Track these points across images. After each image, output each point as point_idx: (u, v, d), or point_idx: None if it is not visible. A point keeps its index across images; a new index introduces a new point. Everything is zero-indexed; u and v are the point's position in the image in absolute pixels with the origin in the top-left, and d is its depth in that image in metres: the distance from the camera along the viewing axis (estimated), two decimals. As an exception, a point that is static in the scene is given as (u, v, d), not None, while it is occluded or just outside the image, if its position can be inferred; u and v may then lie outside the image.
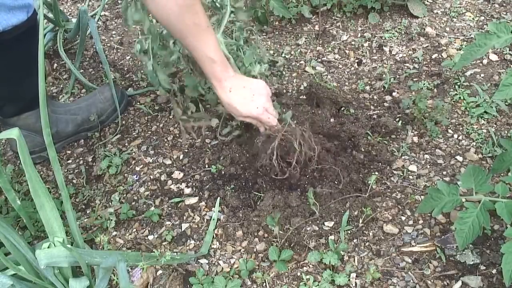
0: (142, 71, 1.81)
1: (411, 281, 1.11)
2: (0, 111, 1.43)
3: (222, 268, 1.19)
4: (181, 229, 1.29)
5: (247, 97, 1.21)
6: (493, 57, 1.69)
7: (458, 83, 1.58)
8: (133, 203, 1.36)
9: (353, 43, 1.84)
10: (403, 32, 1.85)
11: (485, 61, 1.68)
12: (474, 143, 1.41)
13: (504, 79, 0.97)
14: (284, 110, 1.45)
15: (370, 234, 1.22)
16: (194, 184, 1.39)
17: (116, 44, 1.99)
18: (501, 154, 1.13)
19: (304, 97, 1.59)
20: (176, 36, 1.16)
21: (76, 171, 1.49)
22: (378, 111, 1.53)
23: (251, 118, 1.24)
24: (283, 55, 1.81)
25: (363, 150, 1.39)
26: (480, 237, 1.05)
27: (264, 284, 1.14)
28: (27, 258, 0.99)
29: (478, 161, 1.36)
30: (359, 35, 1.87)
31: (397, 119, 1.48)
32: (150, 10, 1.10)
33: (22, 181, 1.47)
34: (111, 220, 1.30)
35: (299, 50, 1.83)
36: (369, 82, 1.67)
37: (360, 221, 1.23)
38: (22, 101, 1.40)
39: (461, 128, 1.46)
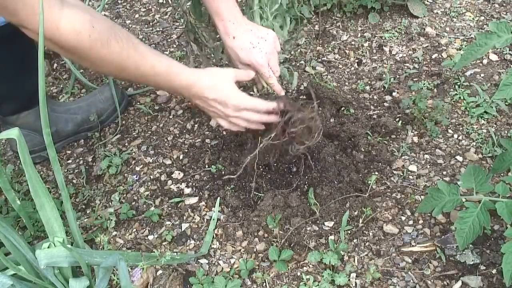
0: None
1: (411, 281, 1.11)
2: (0, 110, 1.43)
3: (222, 268, 1.19)
4: (181, 229, 1.29)
5: (252, 42, 1.14)
6: (493, 57, 1.69)
7: (458, 83, 1.58)
8: (133, 203, 1.36)
9: (353, 43, 1.84)
10: (403, 32, 1.85)
11: (485, 61, 1.68)
12: (474, 143, 1.41)
13: (505, 79, 0.97)
14: (291, 70, 1.39)
15: (370, 234, 1.22)
16: (194, 184, 1.39)
17: (116, 44, 1.99)
18: (501, 154, 1.13)
19: (304, 97, 1.59)
20: None
21: (76, 171, 1.49)
22: (378, 111, 1.53)
23: (251, 68, 1.18)
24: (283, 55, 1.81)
25: (363, 150, 1.39)
26: (480, 237, 1.05)
27: (264, 284, 1.14)
28: (27, 258, 0.99)
29: (478, 161, 1.36)
30: (359, 35, 1.87)
31: (397, 119, 1.48)
32: None
33: (22, 181, 1.47)
34: (111, 220, 1.30)
35: (299, 50, 1.83)
36: (369, 82, 1.67)
37: (360, 221, 1.23)
38: (20, 99, 1.40)
39: (461, 128, 1.46)
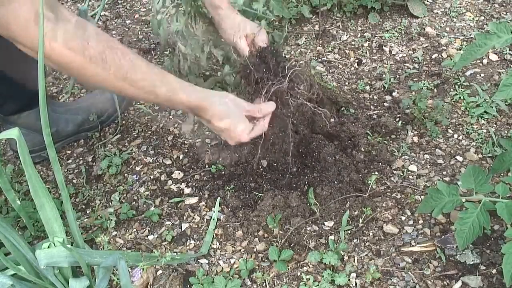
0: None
1: (411, 281, 1.11)
2: (1, 109, 1.43)
3: (222, 268, 1.19)
4: (181, 229, 1.29)
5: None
6: (493, 57, 1.69)
7: (458, 83, 1.58)
8: (133, 203, 1.36)
9: (353, 43, 1.84)
10: (403, 32, 1.85)
11: (485, 61, 1.68)
12: (474, 143, 1.41)
13: (504, 79, 0.97)
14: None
15: (370, 234, 1.22)
16: (194, 184, 1.39)
17: (116, 44, 1.99)
18: (501, 154, 1.13)
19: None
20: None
21: (76, 171, 1.49)
22: (378, 111, 1.53)
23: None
24: (283, 55, 1.81)
25: (363, 150, 1.39)
26: (480, 237, 1.05)
27: (264, 284, 1.14)
28: (27, 258, 0.99)
29: (478, 161, 1.36)
30: (359, 35, 1.87)
31: (397, 119, 1.48)
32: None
33: (22, 181, 1.47)
34: (111, 220, 1.30)
35: (299, 50, 1.83)
36: (369, 82, 1.67)
37: (360, 221, 1.23)
38: (21, 100, 1.40)
39: (461, 128, 1.46)
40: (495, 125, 1.45)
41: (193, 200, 1.34)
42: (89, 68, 0.93)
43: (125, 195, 1.39)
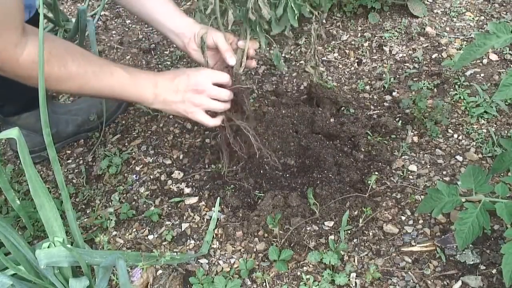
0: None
1: (411, 281, 1.11)
2: (1, 110, 1.43)
3: (222, 268, 1.19)
4: (181, 229, 1.29)
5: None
6: (493, 57, 1.69)
7: (458, 83, 1.58)
8: (133, 203, 1.36)
9: (353, 43, 1.84)
10: (403, 32, 1.85)
11: (485, 61, 1.68)
12: (474, 143, 1.41)
13: (504, 79, 0.97)
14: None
15: (370, 234, 1.22)
16: (194, 184, 1.39)
17: (116, 44, 1.99)
18: (501, 154, 1.13)
19: (304, 97, 1.59)
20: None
21: (76, 171, 1.49)
22: (378, 111, 1.53)
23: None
24: (283, 55, 1.81)
25: (363, 150, 1.40)
26: (480, 237, 1.05)
27: (264, 284, 1.14)
28: (27, 258, 0.99)
29: (478, 161, 1.36)
30: (359, 35, 1.87)
31: (397, 119, 1.48)
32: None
33: (22, 181, 1.47)
34: (111, 220, 1.30)
35: (299, 50, 1.83)
36: (369, 82, 1.67)
37: (360, 221, 1.23)
38: (22, 101, 1.40)
39: (461, 128, 1.46)
40: (495, 125, 1.45)
41: (193, 200, 1.34)
42: (53, 75, 1.01)
43: (125, 195, 1.39)
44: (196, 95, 1.16)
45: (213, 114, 1.21)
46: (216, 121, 1.20)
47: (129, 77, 1.12)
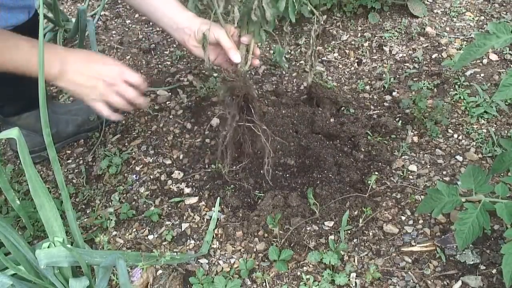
0: (142, 71, 1.81)
1: (411, 281, 1.11)
2: (1, 110, 1.43)
3: (222, 268, 1.19)
4: (181, 229, 1.29)
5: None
6: (493, 57, 1.69)
7: (458, 83, 1.58)
8: (133, 203, 1.36)
9: (353, 43, 1.84)
10: (403, 32, 1.85)
11: (485, 61, 1.68)
12: (474, 143, 1.41)
13: (504, 80, 0.97)
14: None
15: (370, 234, 1.22)
16: (194, 184, 1.39)
17: (116, 44, 1.99)
18: (501, 154, 1.13)
19: (304, 97, 1.59)
20: None
21: (76, 171, 1.49)
22: (378, 111, 1.53)
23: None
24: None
25: (363, 150, 1.40)
26: (480, 237, 1.05)
27: (264, 284, 1.14)
28: (27, 258, 0.99)
29: (478, 161, 1.36)
30: (359, 35, 1.87)
31: (397, 119, 1.48)
32: None
33: (22, 181, 1.47)
34: (111, 220, 1.30)
35: (299, 50, 1.83)
36: (369, 82, 1.67)
37: (360, 221, 1.23)
38: (22, 101, 1.40)
39: (461, 128, 1.46)
40: (495, 125, 1.45)
41: (193, 200, 1.34)
42: None
43: (125, 195, 1.39)
44: (104, 86, 1.16)
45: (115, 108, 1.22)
46: (114, 116, 1.21)
47: (35, 52, 1.07)
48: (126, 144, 1.55)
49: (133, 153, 1.50)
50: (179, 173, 1.42)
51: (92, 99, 1.17)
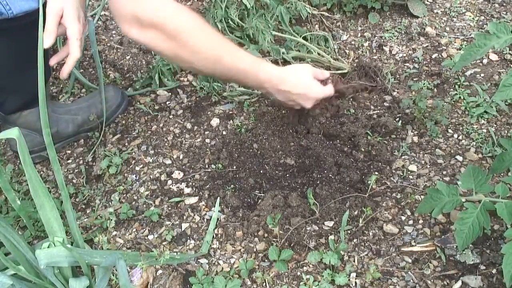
0: (142, 71, 1.81)
1: (411, 281, 1.11)
2: (2, 107, 1.42)
3: (222, 268, 1.19)
4: (181, 229, 1.29)
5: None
6: (493, 57, 1.69)
7: (458, 83, 1.58)
8: (133, 203, 1.37)
9: (353, 42, 1.84)
10: (403, 32, 1.85)
11: (485, 61, 1.68)
12: (474, 143, 1.41)
13: (504, 80, 0.97)
14: None
15: (370, 234, 1.22)
16: (194, 184, 1.39)
17: (116, 44, 1.99)
18: (501, 154, 1.13)
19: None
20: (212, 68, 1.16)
21: (76, 171, 1.49)
22: (378, 111, 1.53)
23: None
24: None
25: (363, 150, 1.40)
26: (480, 237, 1.05)
27: (264, 284, 1.14)
28: (27, 258, 0.99)
29: (478, 161, 1.36)
30: (359, 35, 1.87)
31: (397, 119, 1.48)
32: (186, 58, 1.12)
33: (22, 181, 1.47)
34: (111, 220, 1.30)
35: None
36: (369, 82, 1.67)
37: (360, 221, 1.23)
38: (25, 95, 1.39)
39: (461, 128, 1.46)
40: (495, 125, 1.45)
41: (193, 200, 1.34)
42: (195, 33, 1.10)
43: (125, 195, 1.39)
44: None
45: None
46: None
47: (255, 71, 1.20)
48: (126, 144, 1.55)
49: (133, 153, 1.50)
50: (179, 173, 1.42)
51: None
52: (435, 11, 1.94)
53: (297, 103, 1.29)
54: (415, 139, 1.44)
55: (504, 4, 1.92)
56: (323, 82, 1.33)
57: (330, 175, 1.31)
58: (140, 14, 1.04)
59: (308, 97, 1.28)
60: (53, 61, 1.25)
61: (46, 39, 1.10)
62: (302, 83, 1.27)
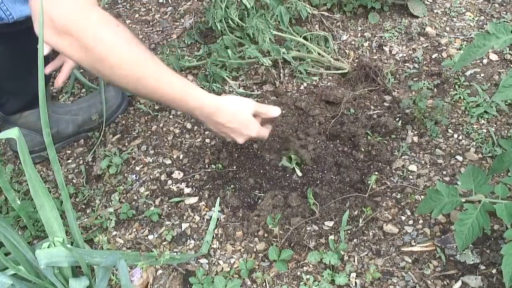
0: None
1: (411, 281, 1.11)
2: (3, 108, 1.42)
3: (222, 268, 1.19)
4: (181, 229, 1.29)
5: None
6: (493, 57, 1.69)
7: (458, 83, 1.58)
8: (133, 203, 1.37)
9: (353, 43, 1.84)
10: (403, 32, 1.85)
11: (485, 61, 1.68)
12: (474, 143, 1.41)
13: (504, 80, 0.97)
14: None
15: (370, 234, 1.22)
16: (194, 184, 1.39)
17: (116, 44, 1.99)
18: (501, 154, 1.13)
19: (305, 96, 1.59)
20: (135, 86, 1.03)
21: (76, 171, 1.49)
22: (378, 111, 1.53)
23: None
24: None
25: (363, 150, 1.40)
26: (480, 237, 1.05)
27: (264, 284, 1.14)
28: (27, 258, 0.99)
29: (478, 161, 1.36)
30: (359, 35, 1.87)
31: (397, 119, 1.48)
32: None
33: (22, 181, 1.47)
34: (111, 220, 1.30)
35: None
36: (369, 82, 1.66)
37: (360, 221, 1.23)
38: (26, 97, 1.40)
39: (461, 128, 1.46)
40: (495, 125, 1.45)
41: (193, 200, 1.34)
42: (116, 49, 0.97)
43: (125, 195, 1.39)
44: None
45: None
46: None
47: (183, 97, 1.08)
48: (126, 144, 1.55)
49: (133, 153, 1.50)
50: (179, 173, 1.42)
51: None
52: (435, 11, 1.94)
53: (229, 136, 1.20)
54: (415, 139, 1.44)
55: (504, 4, 1.92)
56: (263, 120, 1.25)
57: (330, 175, 1.31)
58: (55, 18, 0.91)
59: (242, 133, 1.18)
60: (48, 70, 1.23)
61: (46, 46, 1.09)
62: (239, 118, 1.16)
